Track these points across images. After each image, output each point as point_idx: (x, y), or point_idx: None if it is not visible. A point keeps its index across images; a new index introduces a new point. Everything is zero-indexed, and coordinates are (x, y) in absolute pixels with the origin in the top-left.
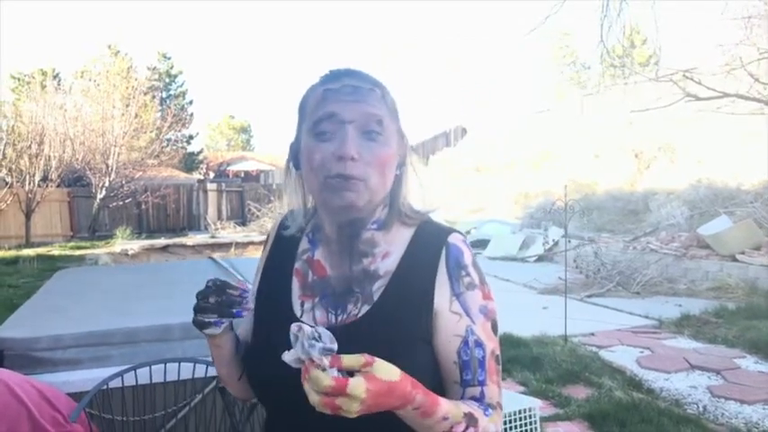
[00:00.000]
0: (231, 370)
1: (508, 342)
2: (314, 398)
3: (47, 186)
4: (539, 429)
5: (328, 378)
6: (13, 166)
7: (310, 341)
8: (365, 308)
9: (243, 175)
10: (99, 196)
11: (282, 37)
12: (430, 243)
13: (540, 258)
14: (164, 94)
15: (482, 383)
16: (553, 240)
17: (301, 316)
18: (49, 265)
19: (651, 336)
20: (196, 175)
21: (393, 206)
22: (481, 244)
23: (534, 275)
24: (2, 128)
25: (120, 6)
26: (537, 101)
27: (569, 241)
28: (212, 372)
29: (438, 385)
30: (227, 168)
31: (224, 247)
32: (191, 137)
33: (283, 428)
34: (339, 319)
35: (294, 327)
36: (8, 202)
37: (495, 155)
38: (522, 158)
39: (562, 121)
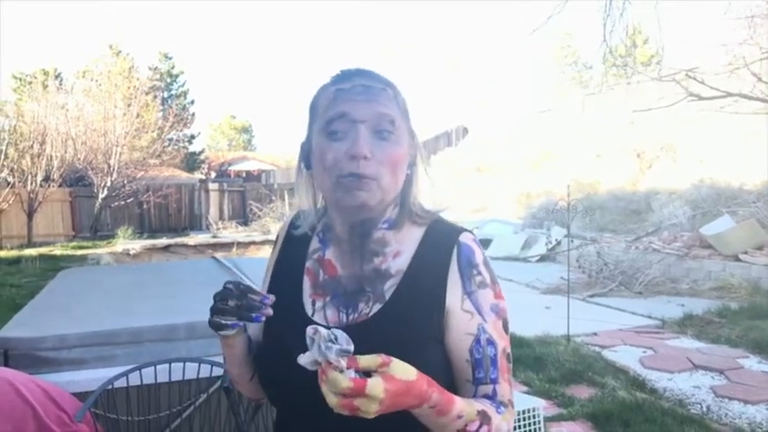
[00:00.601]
0: (243, 370)
1: (511, 342)
2: (332, 399)
3: (49, 186)
4: (543, 429)
5: (346, 380)
6: (15, 166)
7: (327, 343)
8: (377, 307)
9: (244, 174)
10: (101, 196)
11: (283, 37)
12: (441, 242)
13: (542, 258)
14: (165, 94)
15: (494, 381)
16: (556, 240)
17: (312, 315)
18: (52, 265)
19: (654, 336)
20: (198, 175)
21: (404, 205)
22: (483, 244)
23: (536, 275)
24: (4, 128)
25: (121, 6)
26: (538, 101)
27: (572, 241)
28: (217, 371)
29: (450, 384)
30: (229, 168)
31: (226, 246)
32: (192, 137)
33: (295, 429)
34: (350, 318)
35: (310, 329)
36: (10, 201)
37: (496, 154)
38: (524, 158)
39: (564, 120)
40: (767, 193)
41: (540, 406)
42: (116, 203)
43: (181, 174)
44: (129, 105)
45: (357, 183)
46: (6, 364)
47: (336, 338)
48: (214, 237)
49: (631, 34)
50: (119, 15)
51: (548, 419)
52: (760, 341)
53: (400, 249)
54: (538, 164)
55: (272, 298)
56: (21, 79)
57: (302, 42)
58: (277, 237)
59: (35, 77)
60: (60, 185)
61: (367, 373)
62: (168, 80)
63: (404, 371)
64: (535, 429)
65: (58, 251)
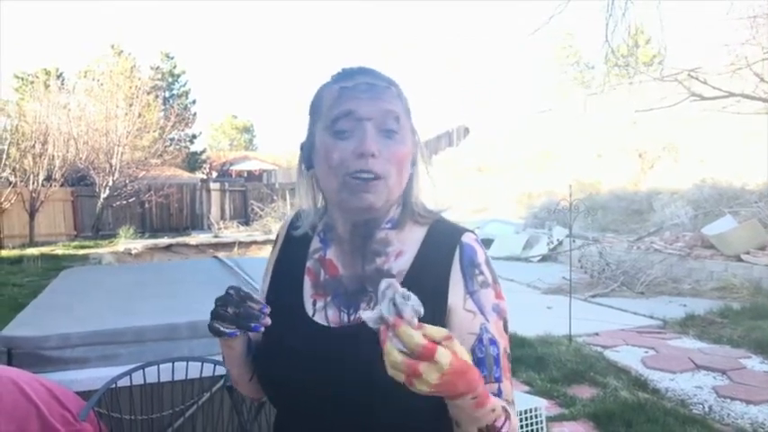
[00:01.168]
0: (242, 370)
1: (512, 342)
2: (396, 358)
3: (50, 186)
4: (545, 429)
5: (420, 336)
6: (17, 166)
7: (402, 299)
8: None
9: (246, 174)
10: (102, 196)
11: (284, 37)
12: (443, 242)
13: (543, 258)
14: (167, 94)
15: (498, 380)
16: (557, 240)
17: (313, 315)
18: (53, 265)
19: (656, 336)
20: (199, 175)
21: (406, 205)
22: (485, 244)
23: (538, 275)
24: (6, 127)
25: (123, 6)
26: (540, 100)
27: (574, 241)
28: (220, 371)
29: None
30: (230, 168)
31: (227, 246)
32: (194, 136)
33: (295, 430)
34: (352, 318)
35: (384, 283)
36: (12, 201)
37: (498, 154)
38: (526, 158)
39: (566, 120)
40: None
41: (542, 406)
42: (118, 203)
43: (182, 173)
44: (130, 105)
45: (364, 185)
46: (10, 363)
47: (410, 297)
48: (215, 236)
49: (633, 34)
50: (120, 15)
51: (550, 419)
52: (762, 341)
53: (402, 249)
54: (539, 164)
55: (269, 308)
56: (23, 79)
57: (303, 42)
58: (277, 236)
59: (37, 77)
60: (62, 185)
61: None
62: (170, 80)
63: (464, 352)
64: (537, 429)
65: (59, 251)
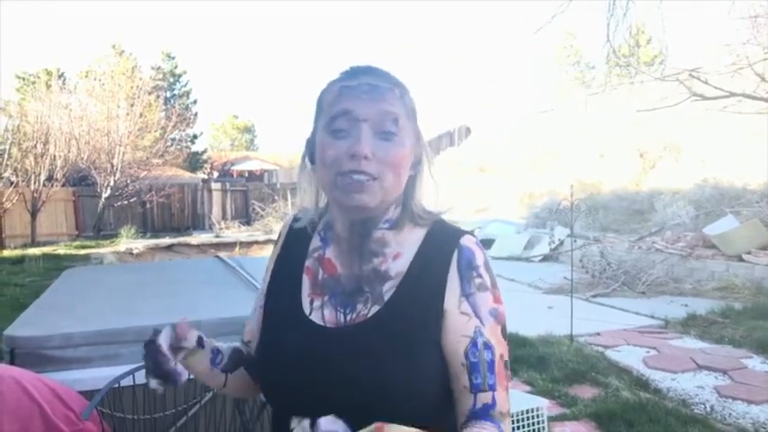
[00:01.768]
0: (211, 381)
1: (514, 342)
2: None
3: (52, 186)
4: (546, 429)
5: None
6: (19, 166)
7: None
8: (375, 308)
9: (247, 174)
10: (104, 195)
11: (285, 37)
12: (442, 244)
13: (545, 258)
14: (168, 94)
15: (492, 388)
16: (558, 240)
17: (310, 314)
18: (55, 265)
19: (657, 336)
20: (200, 175)
21: (406, 206)
22: (486, 244)
23: (539, 275)
24: (7, 127)
25: (124, 6)
26: (541, 100)
27: (575, 241)
28: None
29: (448, 391)
30: (231, 168)
31: (228, 246)
32: (195, 136)
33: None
34: (348, 318)
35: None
36: (14, 201)
37: (499, 154)
38: (527, 158)
39: (567, 120)
40: None
41: (544, 405)
42: (119, 203)
43: (183, 173)
44: (131, 105)
45: (356, 186)
46: (13, 363)
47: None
48: (217, 236)
49: (635, 34)
50: (121, 15)
51: (551, 419)
52: (764, 341)
53: (400, 251)
54: (541, 164)
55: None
56: (24, 79)
57: (304, 42)
58: (279, 234)
59: (38, 77)
60: (64, 185)
61: None
62: (171, 80)
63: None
64: (539, 429)
65: (61, 250)
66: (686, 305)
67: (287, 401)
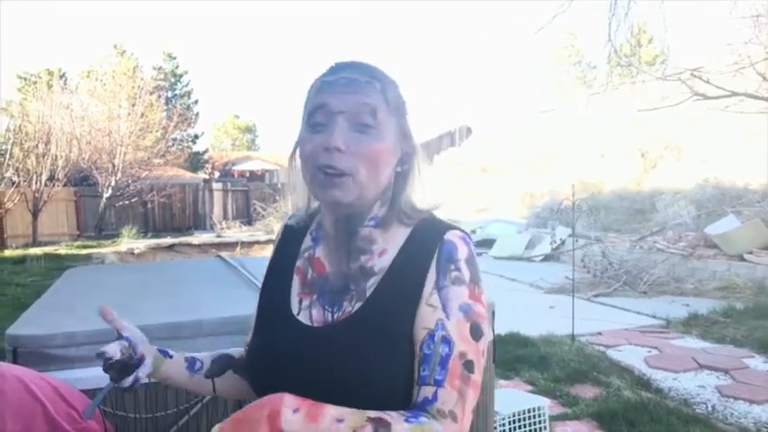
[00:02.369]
0: (197, 388)
1: (515, 341)
2: None
3: (53, 186)
4: (548, 428)
5: None
6: (21, 166)
7: None
8: (358, 305)
9: (248, 174)
10: (105, 195)
11: (287, 37)
12: (427, 239)
13: (546, 258)
14: (169, 94)
15: (438, 384)
16: (560, 240)
17: (298, 314)
18: (56, 264)
19: (659, 335)
20: (201, 175)
21: (394, 204)
22: (487, 244)
23: (540, 275)
24: (9, 127)
25: (125, 6)
26: (542, 100)
27: (576, 241)
28: None
29: None
30: (233, 168)
31: (230, 246)
32: (196, 136)
33: None
34: (335, 316)
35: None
36: (15, 201)
37: (500, 154)
38: (528, 158)
39: (568, 120)
40: None
41: (545, 405)
42: (120, 203)
43: (185, 173)
44: (133, 105)
45: (329, 180)
46: (15, 362)
47: None
48: (218, 236)
49: (636, 33)
50: (123, 15)
51: (552, 418)
52: (765, 341)
53: (386, 248)
54: (542, 164)
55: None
56: (25, 79)
57: (305, 42)
58: (277, 235)
59: (40, 77)
60: (65, 185)
61: None
62: (172, 80)
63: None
64: (540, 428)
65: (62, 250)
66: (688, 305)
67: None
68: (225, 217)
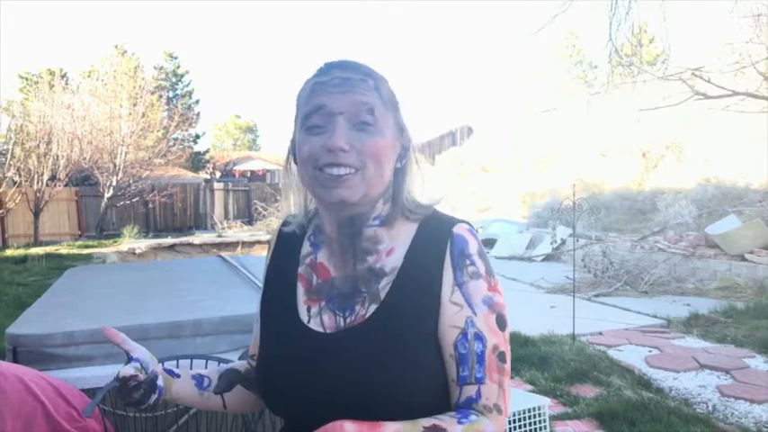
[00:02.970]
0: (208, 405)
1: (516, 341)
2: None
3: (55, 185)
4: (548, 428)
5: None
6: (22, 166)
7: None
8: (373, 307)
9: (249, 174)
10: (106, 195)
11: (288, 37)
12: (435, 235)
13: (547, 257)
14: (170, 94)
15: (479, 381)
16: (561, 239)
17: (308, 322)
18: (58, 264)
19: (660, 335)
20: (203, 175)
21: (396, 201)
22: (488, 243)
23: (541, 274)
24: (10, 127)
25: (126, 6)
26: (543, 100)
27: (577, 240)
28: None
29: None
30: (234, 168)
31: (231, 246)
32: (197, 136)
33: None
34: (347, 321)
35: None
36: (17, 201)
37: (501, 154)
38: (529, 157)
39: (569, 120)
40: None
41: (546, 404)
42: (122, 203)
43: (186, 173)
44: (134, 105)
45: (336, 180)
46: (16, 361)
47: None
48: (219, 236)
49: (637, 33)
50: (124, 15)
51: (553, 418)
52: (766, 341)
53: (394, 246)
54: (543, 163)
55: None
56: (27, 79)
57: (306, 42)
58: (269, 244)
59: (41, 77)
60: (66, 185)
61: None
62: (173, 80)
63: None
64: (541, 428)
65: (64, 250)
66: (688, 304)
67: (294, 411)
68: (226, 217)
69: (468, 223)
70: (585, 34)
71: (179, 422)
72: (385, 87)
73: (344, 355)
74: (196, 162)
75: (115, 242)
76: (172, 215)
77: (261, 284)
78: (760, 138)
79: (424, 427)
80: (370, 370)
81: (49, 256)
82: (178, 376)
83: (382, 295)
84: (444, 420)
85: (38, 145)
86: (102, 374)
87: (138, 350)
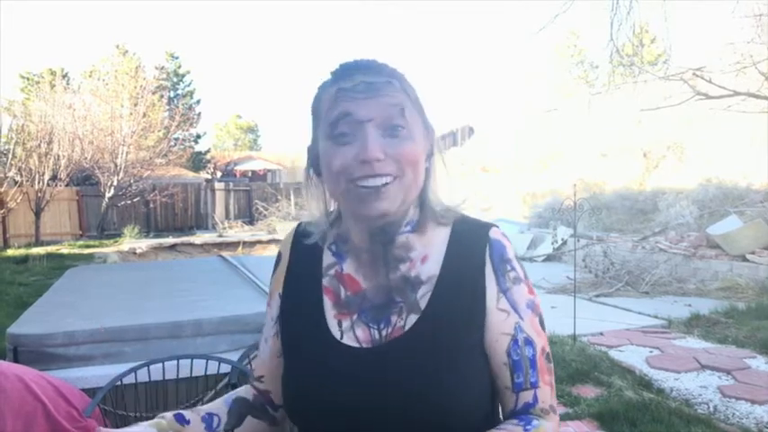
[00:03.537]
0: None
1: None
2: None
3: (56, 185)
4: None
5: None
6: (23, 165)
7: None
8: (412, 318)
9: (250, 174)
10: (107, 195)
11: (289, 37)
12: (471, 241)
13: (548, 258)
14: (171, 94)
15: (534, 386)
16: (562, 240)
17: (341, 338)
18: (59, 264)
19: (661, 335)
20: (204, 175)
21: (425, 204)
22: None
23: (542, 275)
24: (12, 127)
25: (128, 6)
26: (544, 100)
27: (578, 240)
28: (224, 368)
29: (492, 391)
30: (235, 168)
31: (232, 245)
32: (198, 136)
33: None
34: (383, 333)
35: None
36: (18, 200)
37: (502, 154)
38: (530, 158)
39: (570, 120)
40: None
41: None
42: (123, 203)
43: (187, 173)
44: (135, 105)
45: (374, 193)
46: (16, 361)
47: None
48: (220, 236)
49: (638, 33)
50: (125, 15)
51: None
52: (767, 341)
53: (427, 253)
54: (544, 163)
55: None
56: (28, 79)
57: (307, 42)
58: (279, 254)
59: (42, 77)
60: (67, 184)
61: None
62: (174, 80)
63: None
64: None
65: (65, 250)
66: (690, 305)
67: (328, 428)
68: (227, 217)
69: (498, 227)
70: (586, 34)
71: None
72: (408, 86)
73: (391, 369)
74: (197, 162)
75: (116, 242)
76: (173, 215)
77: (261, 284)
78: (761, 138)
79: None
80: (419, 384)
81: (50, 255)
82: (188, 422)
83: (422, 305)
84: (509, 429)
85: (39, 145)
86: (102, 374)
87: None
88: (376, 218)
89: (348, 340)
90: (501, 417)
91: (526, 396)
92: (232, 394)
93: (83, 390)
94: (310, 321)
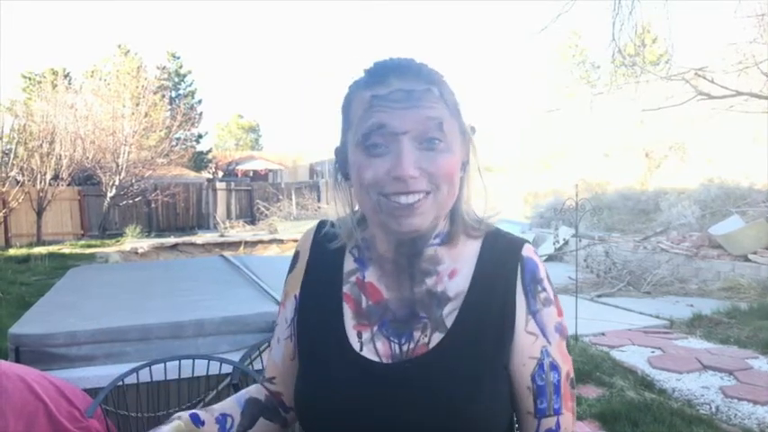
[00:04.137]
0: None
1: None
2: None
3: (58, 185)
4: None
5: None
6: (25, 165)
7: None
8: (437, 336)
9: (251, 174)
10: (109, 195)
11: (290, 37)
12: (503, 258)
13: (549, 258)
14: (173, 94)
15: (557, 412)
16: (563, 240)
17: (361, 350)
18: (60, 263)
19: (662, 336)
20: (205, 174)
21: (456, 216)
22: None
23: None
24: (14, 127)
25: (129, 6)
26: (546, 100)
27: (580, 240)
28: (226, 368)
29: (512, 415)
30: (236, 167)
31: (233, 245)
32: (200, 136)
33: None
34: (404, 349)
35: None
36: (20, 200)
37: (504, 154)
38: (532, 157)
39: (572, 120)
40: None
41: None
42: (124, 202)
43: (188, 173)
44: (137, 105)
45: (405, 210)
46: (18, 361)
47: None
48: (222, 236)
49: (640, 33)
50: (127, 15)
51: None
52: None
53: (456, 267)
54: (545, 163)
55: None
56: (30, 79)
57: (308, 42)
58: (297, 254)
59: (44, 77)
60: (69, 184)
61: None
62: (176, 79)
63: None
64: None
65: (66, 249)
66: (692, 305)
67: None
68: (228, 216)
69: (531, 243)
70: (588, 34)
71: None
72: (447, 91)
73: (412, 388)
74: (199, 162)
75: (118, 242)
76: (174, 215)
77: (263, 285)
78: (763, 138)
79: None
80: (441, 406)
81: (51, 255)
82: (203, 423)
83: (448, 323)
84: None
85: (41, 144)
86: (104, 374)
87: None
88: (407, 233)
89: (368, 353)
90: None
91: (548, 423)
92: (244, 394)
93: (84, 390)
94: (328, 329)
